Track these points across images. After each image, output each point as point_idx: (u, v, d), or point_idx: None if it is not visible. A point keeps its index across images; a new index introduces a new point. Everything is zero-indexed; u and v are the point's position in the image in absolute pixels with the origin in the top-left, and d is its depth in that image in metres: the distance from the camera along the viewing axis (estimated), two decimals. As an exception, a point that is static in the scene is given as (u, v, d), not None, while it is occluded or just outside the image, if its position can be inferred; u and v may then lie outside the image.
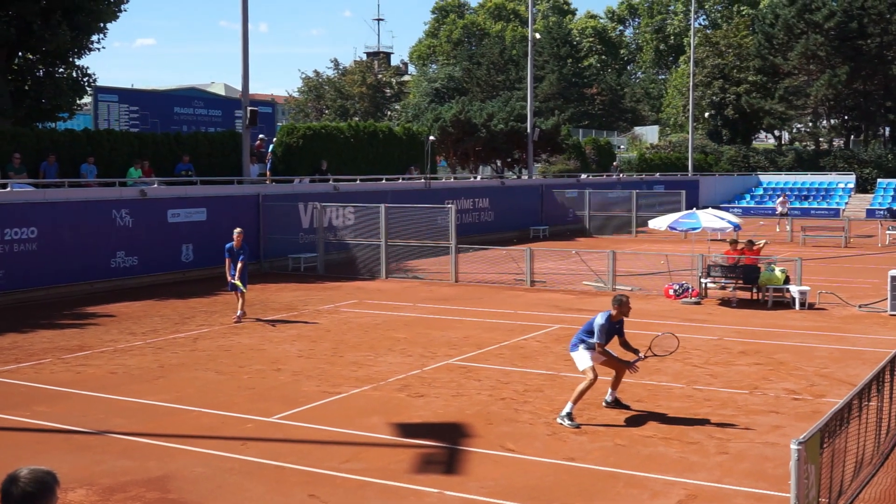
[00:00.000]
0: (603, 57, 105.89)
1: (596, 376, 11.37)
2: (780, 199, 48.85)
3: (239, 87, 30.06)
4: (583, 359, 11.52)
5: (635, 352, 11.70)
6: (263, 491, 9.14)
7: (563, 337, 17.10)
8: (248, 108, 28.38)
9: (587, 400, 12.34)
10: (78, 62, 29.28)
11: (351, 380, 13.72)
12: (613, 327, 11.62)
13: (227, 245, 18.69)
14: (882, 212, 54.19)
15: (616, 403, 12.06)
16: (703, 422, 11.43)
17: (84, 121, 35.72)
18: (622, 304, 11.61)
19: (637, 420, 11.51)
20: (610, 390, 12.08)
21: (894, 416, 10.34)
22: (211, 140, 30.84)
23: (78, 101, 31.06)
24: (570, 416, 11.25)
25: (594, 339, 11.43)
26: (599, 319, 11.47)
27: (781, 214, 45.87)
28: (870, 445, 9.22)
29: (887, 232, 38.27)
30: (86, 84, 29.83)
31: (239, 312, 18.71)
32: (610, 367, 11.77)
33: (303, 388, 13.20)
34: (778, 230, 41.67)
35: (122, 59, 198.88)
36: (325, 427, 11.25)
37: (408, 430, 11.13)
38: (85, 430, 11.15)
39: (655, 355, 11.87)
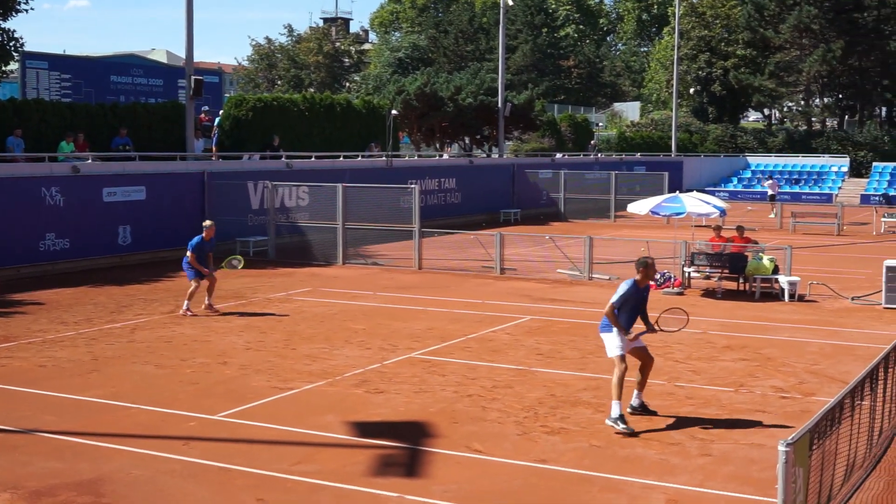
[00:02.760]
0: (581, 27, 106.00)
1: (626, 364, 11.22)
2: (770, 181, 50.28)
3: (182, 54, 29.81)
4: (613, 344, 11.35)
5: (650, 326, 11.67)
6: (207, 495, 9.10)
7: (535, 329, 17.18)
8: (193, 77, 28.12)
9: (560, 397, 12.43)
10: (3, 25, 28.83)
11: (304, 374, 13.69)
12: (640, 294, 11.53)
13: (197, 239, 18.42)
14: (877, 198, 54.94)
15: (643, 409, 11.81)
16: (685, 422, 11.51)
17: (10, 89, 35.22)
18: (648, 267, 11.52)
19: (614, 419, 11.56)
20: (636, 392, 11.81)
21: (888, 417, 10.49)
22: (151, 112, 30.55)
23: (3, 68, 30.60)
24: (622, 418, 11.00)
25: (609, 303, 11.26)
26: (624, 286, 11.39)
27: (772, 197, 47.48)
28: (862, 447, 9.34)
29: (883, 219, 38.80)
30: (12, 49, 29.39)
31: (211, 300, 18.67)
32: (637, 357, 11.56)
33: (251, 384, 13.14)
34: (773, 216, 42.38)
35: (52, 23, 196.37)
36: (274, 426, 11.21)
37: (365, 429, 11.13)
38: (10, 429, 11.02)
39: (663, 330, 11.86)
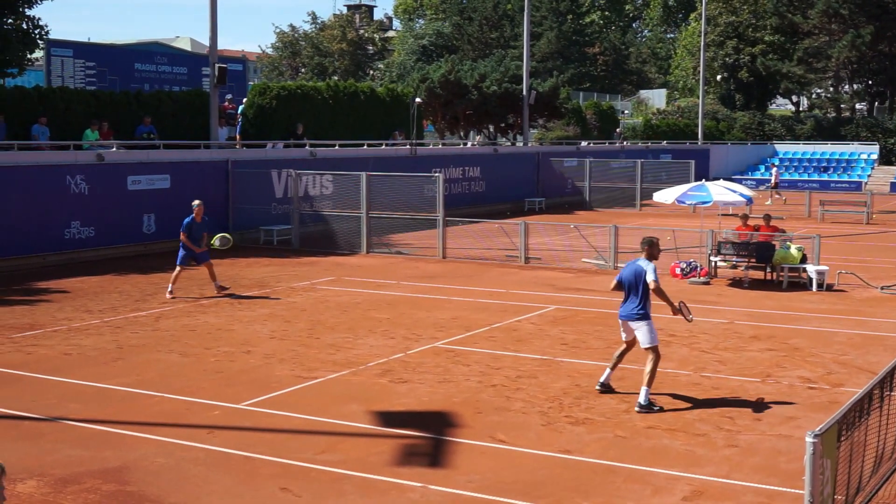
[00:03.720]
0: (606, 13, 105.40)
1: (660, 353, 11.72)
2: (774, 170, 52.56)
3: (206, 42, 29.88)
4: (654, 332, 11.67)
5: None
6: (231, 484, 9.15)
7: (560, 319, 17.14)
8: (217, 66, 28.19)
9: (585, 388, 12.40)
10: (28, 12, 28.94)
11: (328, 364, 13.72)
12: None
13: (188, 220, 18.99)
14: (907, 186, 54.52)
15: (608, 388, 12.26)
16: (711, 412, 11.46)
17: (35, 77, 35.41)
18: (653, 245, 11.81)
19: (639, 409, 11.54)
20: (609, 372, 12.20)
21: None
22: (175, 100, 30.64)
23: (28, 56, 30.75)
24: (650, 404, 11.40)
25: (651, 281, 11.48)
26: (647, 264, 11.57)
27: (775, 185, 49.30)
28: (891, 439, 9.28)
29: (913, 207, 38.48)
30: (37, 36, 29.52)
31: (217, 283, 19.33)
32: (630, 342, 11.89)
33: (275, 373, 13.19)
34: (769, 203, 43.60)
35: (77, 10, 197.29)
36: (298, 415, 11.25)
37: (389, 418, 11.15)
38: (36, 416, 11.11)
39: (683, 315, 11.97)
